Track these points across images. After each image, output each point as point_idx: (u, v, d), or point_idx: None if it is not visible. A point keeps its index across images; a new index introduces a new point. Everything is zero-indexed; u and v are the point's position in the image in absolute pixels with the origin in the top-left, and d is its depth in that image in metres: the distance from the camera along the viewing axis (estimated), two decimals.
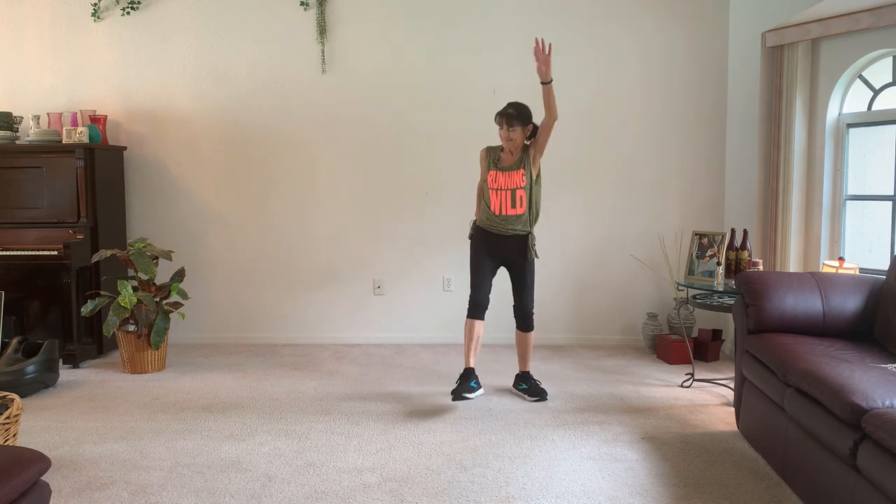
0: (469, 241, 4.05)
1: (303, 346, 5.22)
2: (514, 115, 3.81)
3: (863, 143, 4.30)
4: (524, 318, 4.03)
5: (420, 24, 5.12)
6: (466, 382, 3.85)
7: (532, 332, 4.06)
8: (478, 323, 3.93)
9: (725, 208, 5.13)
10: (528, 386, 4.01)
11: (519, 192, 3.85)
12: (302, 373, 4.53)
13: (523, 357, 4.09)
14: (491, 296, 3.99)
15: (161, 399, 4.01)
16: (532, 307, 4.03)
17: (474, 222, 4.06)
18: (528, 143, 3.92)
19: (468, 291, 3.99)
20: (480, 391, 3.96)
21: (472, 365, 3.93)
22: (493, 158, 3.93)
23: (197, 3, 5.14)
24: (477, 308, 3.94)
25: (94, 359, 4.90)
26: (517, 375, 4.11)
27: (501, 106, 3.88)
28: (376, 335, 5.30)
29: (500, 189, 3.87)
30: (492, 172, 3.90)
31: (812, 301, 3.31)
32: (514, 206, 3.86)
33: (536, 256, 3.97)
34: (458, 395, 3.78)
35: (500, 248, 3.94)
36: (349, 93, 5.17)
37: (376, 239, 5.26)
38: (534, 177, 3.89)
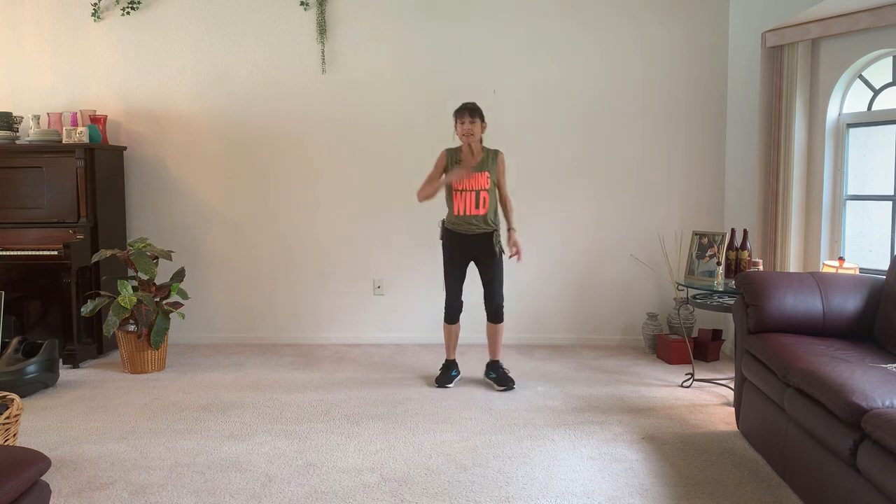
0: (441, 243, 4.25)
1: (303, 346, 5.22)
2: (474, 108, 4.02)
3: (863, 143, 4.30)
4: (494, 311, 4.22)
5: (420, 24, 5.12)
6: (448, 371, 4.28)
7: (502, 324, 4.27)
8: (455, 326, 4.29)
9: (725, 208, 5.13)
10: (497, 375, 4.23)
11: (483, 194, 4.06)
12: (302, 373, 4.53)
13: (493, 347, 4.29)
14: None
15: (161, 399, 4.02)
16: (501, 300, 4.21)
17: (443, 223, 4.24)
18: (491, 149, 4.10)
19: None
20: (459, 376, 4.33)
21: (453, 357, 4.32)
22: (453, 160, 4.11)
23: (197, 3, 5.14)
24: (454, 315, 4.27)
25: (94, 359, 4.90)
26: (488, 364, 4.31)
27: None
28: (376, 335, 5.30)
29: (465, 191, 4.06)
30: None
31: (812, 301, 3.31)
32: (477, 206, 4.06)
33: (503, 251, 4.14)
34: (441, 383, 4.20)
35: (469, 248, 4.15)
36: (349, 93, 5.17)
37: (376, 239, 5.26)
38: (495, 180, 4.09)
